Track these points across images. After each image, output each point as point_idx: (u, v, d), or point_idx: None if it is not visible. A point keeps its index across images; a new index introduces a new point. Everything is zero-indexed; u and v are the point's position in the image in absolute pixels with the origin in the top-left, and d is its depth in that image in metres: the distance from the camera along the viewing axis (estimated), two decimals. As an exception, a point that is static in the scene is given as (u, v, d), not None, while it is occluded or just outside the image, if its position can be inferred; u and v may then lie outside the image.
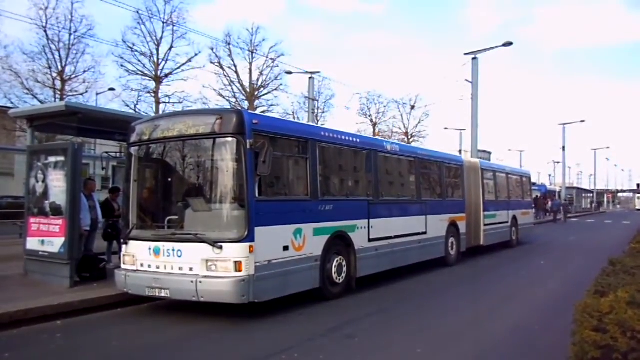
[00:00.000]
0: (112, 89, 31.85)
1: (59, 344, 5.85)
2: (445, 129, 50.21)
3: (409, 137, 45.83)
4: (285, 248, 7.21)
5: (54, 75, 28.64)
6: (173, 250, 6.82)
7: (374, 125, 45.77)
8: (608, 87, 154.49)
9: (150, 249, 7.01)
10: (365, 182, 9.60)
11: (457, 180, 13.37)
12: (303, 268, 7.51)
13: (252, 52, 35.09)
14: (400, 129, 46.82)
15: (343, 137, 8.81)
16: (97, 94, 31.57)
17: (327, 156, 8.56)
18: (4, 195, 19.99)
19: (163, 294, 6.82)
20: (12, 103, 27.00)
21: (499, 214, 15.63)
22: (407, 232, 10.41)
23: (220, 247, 6.50)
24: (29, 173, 8.98)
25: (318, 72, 28.84)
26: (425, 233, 11.14)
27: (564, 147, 43.85)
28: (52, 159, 8.49)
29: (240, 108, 6.22)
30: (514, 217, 16.94)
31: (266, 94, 37.08)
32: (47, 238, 8.38)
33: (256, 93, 36.19)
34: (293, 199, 7.62)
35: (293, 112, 39.36)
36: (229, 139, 6.70)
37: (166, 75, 32.00)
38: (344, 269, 8.43)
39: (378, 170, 9.67)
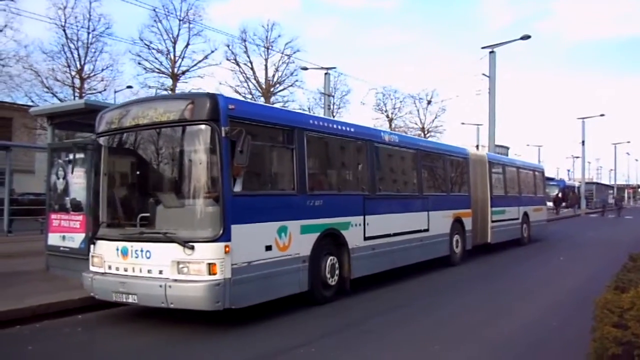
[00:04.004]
0: (129, 87, 32.14)
1: (81, 337, 5.98)
2: (462, 124, 49.97)
3: (426, 132, 45.44)
4: (268, 248, 6.50)
5: (73, 73, 29.09)
6: (141, 250, 6.14)
7: (390, 120, 45.41)
8: (628, 80, 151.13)
9: (118, 249, 6.34)
10: (360, 175, 8.86)
11: (462, 174, 12.58)
12: (289, 270, 6.80)
13: (268, 49, 35.36)
14: (416, 124, 46.55)
15: (334, 126, 8.08)
16: (115, 92, 31.67)
17: (316, 147, 7.84)
18: (25, 192, 20.07)
19: (130, 299, 6.14)
20: (32, 101, 27.43)
21: (508, 210, 14.79)
22: (407, 229, 9.66)
23: (192, 248, 5.80)
24: (49, 170, 9.24)
25: (334, 68, 29.60)
26: (427, 230, 10.38)
27: (583, 142, 43.46)
28: (72, 156, 8.53)
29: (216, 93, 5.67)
30: (526, 214, 16.07)
31: (282, 90, 37.26)
32: (67, 234, 8.61)
33: (272, 89, 36.27)
34: (277, 193, 6.91)
35: (309, 108, 39.13)
36: (202, 126, 6.00)
37: (183, 73, 32.23)
38: (337, 270, 7.71)
39: (374, 162, 8.92)
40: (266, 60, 36.02)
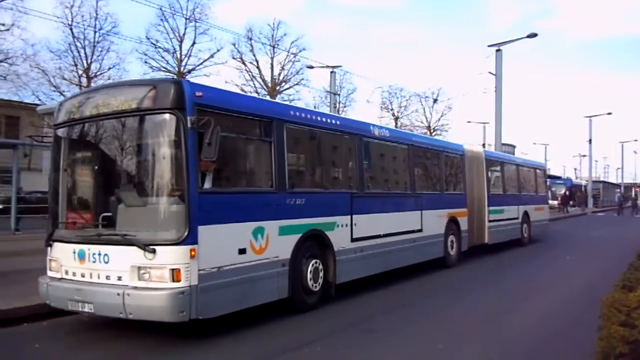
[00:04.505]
0: (136, 86, 31.90)
1: (84, 335, 5.90)
2: (468, 122, 49.53)
3: (432, 130, 45.10)
4: (242, 251, 5.88)
5: (80, 72, 29.03)
6: (99, 254, 5.51)
7: (396, 119, 44.98)
8: (636, 77, 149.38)
9: (75, 252, 5.71)
10: (348, 172, 8.25)
11: (457, 172, 11.97)
12: (266, 275, 6.19)
13: (274, 47, 35.25)
14: (422, 122, 46.17)
15: (318, 118, 7.45)
16: (122, 91, 31.57)
17: (298, 140, 7.23)
18: (32, 190, 19.72)
19: (87, 308, 5.50)
20: (39, 100, 27.33)
21: (507, 209, 14.17)
22: (399, 229, 9.05)
23: (153, 251, 5.18)
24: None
25: (339, 67, 28.94)
26: (420, 230, 9.77)
27: (590, 140, 43.55)
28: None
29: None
30: (526, 213, 15.44)
31: (288, 88, 36.84)
32: None
33: (278, 88, 36.10)
34: (252, 191, 6.27)
35: (315, 106, 38.70)
36: (165, 115, 5.36)
37: (189, 72, 31.99)
38: (321, 274, 7.10)
39: (363, 158, 8.30)
40: (272, 58, 36.07)
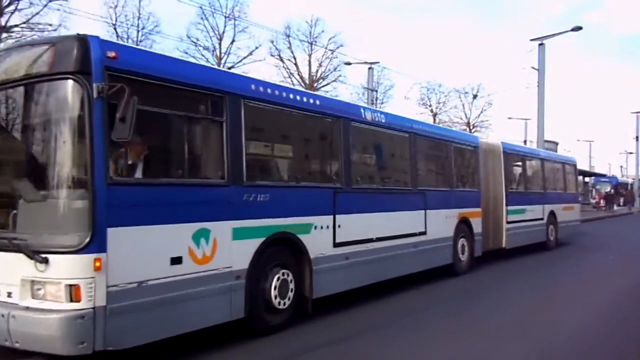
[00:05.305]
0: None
1: None
2: (510, 118, 48.12)
3: (471, 127, 43.80)
4: (176, 260, 4.56)
5: None
6: (-13, 263, 4.26)
7: (434, 115, 43.91)
8: None
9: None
10: (331, 162, 6.87)
11: (470, 166, 10.47)
12: (212, 290, 4.86)
13: (311, 44, 35.37)
14: (461, 119, 45.01)
15: (291, 96, 6.06)
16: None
17: (262, 122, 5.90)
18: None
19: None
20: None
21: (529, 208, 12.54)
22: (396, 232, 7.64)
23: (45, 261, 3.92)
24: None
25: (377, 62, 28.85)
26: (424, 233, 8.33)
27: (637, 137, 42.84)
28: None
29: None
30: (552, 213, 13.76)
31: (325, 85, 36.59)
32: None
33: (315, 85, 35.99)
34: (192, 183, 4.92)
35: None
36: (64, 82, 4.09)
37: (229, 69, 31.91)
38: (291, 288, 5.76)
39: (351, 146, 6.91)
40: (310, 55, 36.10)
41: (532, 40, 22.99)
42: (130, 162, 4.39)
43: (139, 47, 5.07)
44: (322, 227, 6.25)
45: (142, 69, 4.40)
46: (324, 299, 6.27)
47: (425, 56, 78.20)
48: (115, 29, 28.76)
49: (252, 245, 5.30)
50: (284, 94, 5.96)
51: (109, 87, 4.03)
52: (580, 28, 22.05)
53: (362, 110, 7.34)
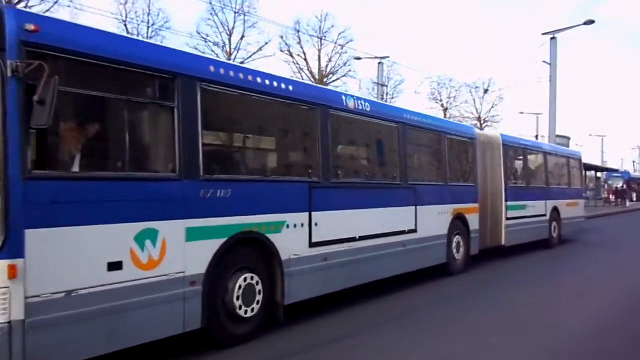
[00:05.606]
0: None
1: None
2: (521, 113, 47.03)
3: (482, 121, 43.30)
4: (114, 266, 3.99)
5: None
6: None
7: (445, 110, 43.38)
8: None
9: None
10: (306, 155, 6.27)
11: (466, 159, 9.84)
12: (160, 298, 4.29)
13: (321, 39, 35.19)
14: (472, 113, 44.33)
15: (258, 80, 5.45)
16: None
17: (224, 108, 5.32)
18: None
19: None
20: None
21: (530, 204, 11.89)
22: (383, 230, 7.05)
23: (-50, 268, 3.35)
24: None
25: (387, 57, 28.57)
26: (414, 231, 7.73)
27: None
28: None
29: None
30: (555, 209, 13.11)
31: (335, 80, 36.34)
32: None
33: (325, 80, 35.89)
34: (134, 176, 4.31)
35: None
36: (-27, 59, 3.52)
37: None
38: (258, 293, 5.18)
39: (330, 136, 6.29)
40: (319, 50, 35.90)
41: (543, 34, 22.83)
42: (58, 153, 3.81)
43: (72, 21, 4.48)
44: (295, 226, 5.66)
45: (71, 45, 3.80)
46: (302, 303, 5.72)
47: (436, 50, 76.95)
48: (125, 25, 28.68)
49: (210, 246, 4.72)
50: (251, 78, 5.34)
51: (25, 65, 3.45)
52: (592, 21, 21.74)
53: (343, 98, 6.71)
